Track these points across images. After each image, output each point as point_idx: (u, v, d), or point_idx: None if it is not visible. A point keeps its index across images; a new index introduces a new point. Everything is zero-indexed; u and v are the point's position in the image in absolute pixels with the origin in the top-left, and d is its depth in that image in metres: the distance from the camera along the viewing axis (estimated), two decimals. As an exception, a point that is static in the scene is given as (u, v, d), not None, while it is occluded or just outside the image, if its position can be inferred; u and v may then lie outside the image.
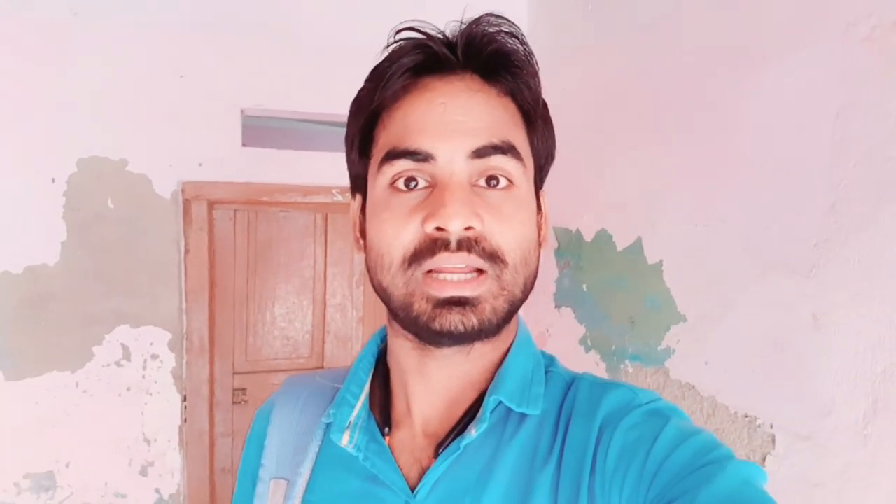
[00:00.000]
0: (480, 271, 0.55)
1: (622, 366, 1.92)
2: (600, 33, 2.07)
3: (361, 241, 0.64)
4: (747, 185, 1.46)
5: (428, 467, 0.58)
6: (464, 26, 0.58)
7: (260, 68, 2.24)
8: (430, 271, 0.54)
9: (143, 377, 2.19)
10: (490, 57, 0.58)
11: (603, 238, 2.01)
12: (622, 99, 1.95)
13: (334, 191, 2.37)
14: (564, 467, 0.55)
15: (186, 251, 2.23)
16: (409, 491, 0.57)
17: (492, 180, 0.56)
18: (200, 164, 2.21)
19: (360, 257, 2.66)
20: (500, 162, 0.56)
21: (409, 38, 0.59)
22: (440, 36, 0.59)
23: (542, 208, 0.65)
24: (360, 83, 0.62)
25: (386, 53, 0.59)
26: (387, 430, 0.62)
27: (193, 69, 2.17)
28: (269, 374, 2.58)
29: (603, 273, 2.03)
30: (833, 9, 1.25)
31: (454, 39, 0.58)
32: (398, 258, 0.55)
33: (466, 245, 0.53)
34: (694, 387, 1.62)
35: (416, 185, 0.56)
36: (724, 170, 1.53)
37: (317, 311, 2.65)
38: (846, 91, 1.22)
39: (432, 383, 0.61)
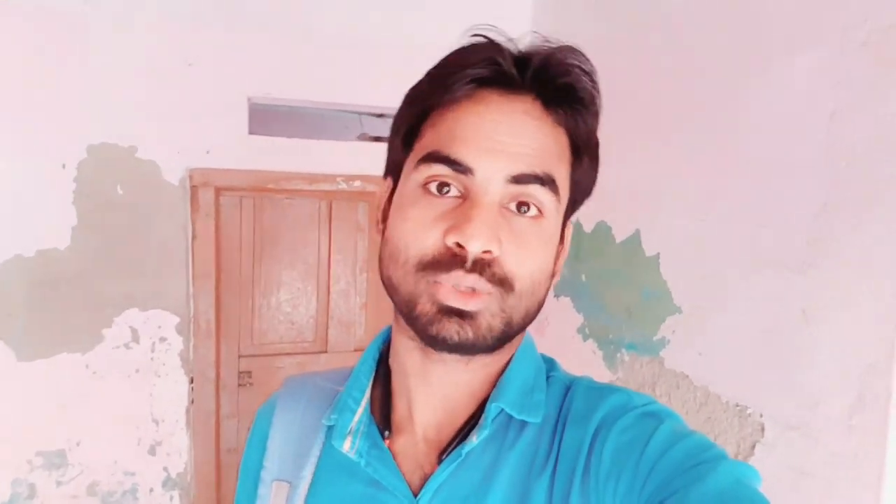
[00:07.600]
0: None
1: (619, 354, 1.96)
2: (603, 29, 2.09)
3: (381, 226, 0.63)
4: (743, 183, 1.49)
5: (430, 473, 0.59)
6: (545, 47, 0.57)
7: (267, 57, 2.27)
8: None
9: (152, 359, 2.25)
10: (560, 88, 0.57)
11: (602, 230, 2.05)
12: (625, 94, 1.97)
13: (339, 179, 2.40)
14: (559, 473, 0.55)
15: (194, 237, 2.27)
16: (412, 496, 0.58)
17: (522, 206, 0.56)
18: (208, 152, 2.24)
19: (363, 244, 2.70)
20: (535, 191, 0.55)
21: (481, 43, 0.57)
22: (512, 50, 0.57)
23: (564, 241, 0.63)
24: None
25: (455, 48, 0.58)
26: (387, 433, 0.62)
27: (202, 58, 2.20)
28: (274, 358, 2.63)
29: (601, 264, 2.07)
30: (831, 13, 1.28)
31: (527, 56, 0.57)
32: (414, 260, 0.55)
33: (479, 267, 0.53)
34: (688, 376, 1.67)
35: (447, 192, 0.55)
36: (722, 167, 1.56)
37: (321, 296, 2.69)
38: (841, 94, 1.25)
39: (434, 388, 0.61)
